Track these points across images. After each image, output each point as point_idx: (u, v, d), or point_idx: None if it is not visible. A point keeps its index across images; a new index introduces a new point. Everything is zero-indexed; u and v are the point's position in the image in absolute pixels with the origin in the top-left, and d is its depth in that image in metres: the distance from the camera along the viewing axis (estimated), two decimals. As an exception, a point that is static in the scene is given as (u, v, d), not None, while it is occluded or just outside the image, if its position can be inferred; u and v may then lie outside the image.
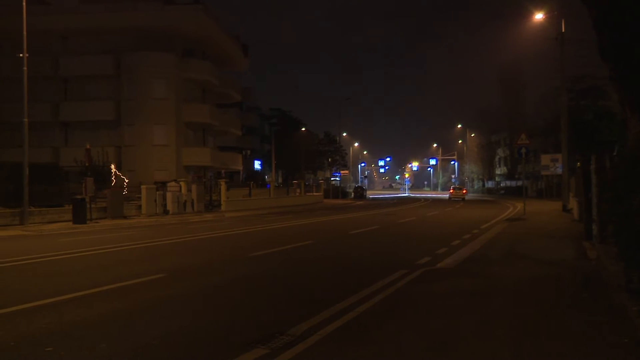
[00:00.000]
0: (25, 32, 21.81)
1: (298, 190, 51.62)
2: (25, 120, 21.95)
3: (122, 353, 5.16)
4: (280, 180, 71.80)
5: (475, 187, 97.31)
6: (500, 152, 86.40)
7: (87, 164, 26.54)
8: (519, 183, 65.51)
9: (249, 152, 66.77)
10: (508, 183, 77.32)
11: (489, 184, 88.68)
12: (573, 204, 24.21)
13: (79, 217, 22.25)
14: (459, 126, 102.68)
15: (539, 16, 28.21)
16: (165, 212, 29.01)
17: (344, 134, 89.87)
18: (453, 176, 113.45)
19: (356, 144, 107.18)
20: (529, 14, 28.61)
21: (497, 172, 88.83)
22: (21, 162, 21.57)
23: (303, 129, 72.11)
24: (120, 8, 39.17)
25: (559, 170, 31.52)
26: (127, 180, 29.51)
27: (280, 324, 6.10)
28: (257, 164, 70.34)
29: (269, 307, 7.15)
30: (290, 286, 8.77)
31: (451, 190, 63.13)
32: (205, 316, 6.67)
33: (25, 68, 22.00)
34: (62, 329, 6.05)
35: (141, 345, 5.39)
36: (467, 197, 62.60)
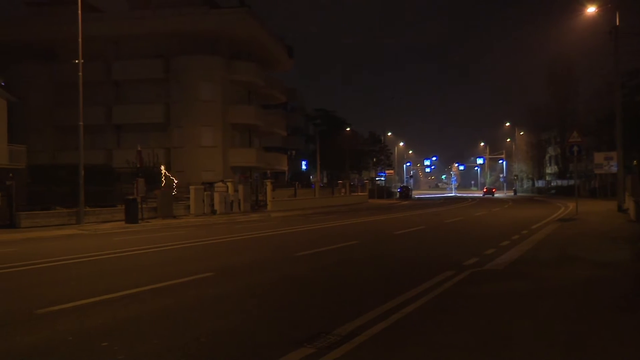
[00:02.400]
0: (80, 39, 22.68)
1: (343, 190, 51.62)
2: (81, 123, 22.83)
3: (172, 349, 5.30)
4: (325, 180, 71.98)
5: (525, 186, 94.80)
6: (551, 151, 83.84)
7: (138, 165, 27.35)
8: (571, 182, 63.43)
9: (294, 152, 67.23)
10: (559, 182, 74.93)
11: (539, 183, 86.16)
12: (629, 203, 23.25)
13: (131, 216, 22.97)
14: (507, 124, 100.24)
15: (591, 9, 27.23)
16: (213, 212, 29.58)
17: (389, 134, 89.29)
18: (501, 175, 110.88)
19: (401, 144, 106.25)
20: (580, 7, 27.64)
21: (548, 171, 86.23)
22: (77, 164, 22.45)
23: (347, 129, 72.05)
24: (169, 13, 40.18)
25: (614, 169, 30.29)
26: (176, 181, 30.25)
27: (326, 323, 6.12)
28: (302, 164, 70.74)
29: (315, 307, 7.19)
30: (336, 286, 8.79)
31: (484, 189, 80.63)
32: (252, 314, 6.77)
33: (80, 73, 22.88)
34: (115, 325, 6.27)
35: (190, 342, 5.52)
36: (515, 197, 66.81)
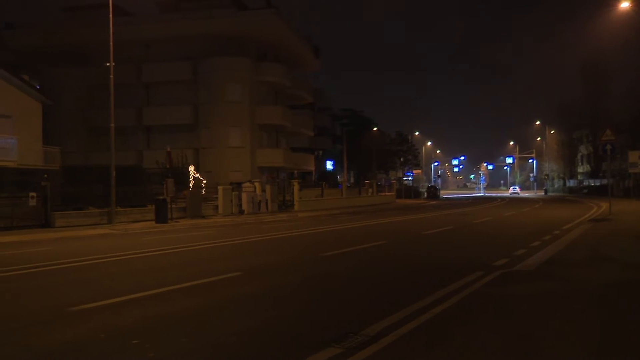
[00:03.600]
0: (112, 43, 23.12)
1: (370, 190, 51.47)
2: (112, 125, 23.28)
3: (201, 348, 5.36)
4: (352, 180, 71.86)
5: (556, 185, 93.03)
6: (583, 149, 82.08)
7: (167, 166, 27.75)
8: (604, 181, 62.02)
9: (320, 152, 67.30)
10: (591, 182, 73.33)
11: (570, 183, 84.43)
12: (665, 203, 22.59)
13: (161, 216, 23.32)
14: (538, 123, 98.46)
15: (624, 5, 26.56)
16: (241, 212, 29.82)
17: (416, 133, 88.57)
18: (531, 174, 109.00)
19: (429, 143, 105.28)
20: (614, 3, 26.98)
21: (579, 170, 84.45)
22: (109, 165, 22.90)
23: (375, 128, 71.79)
24: (197, 16, 40.68)
25: (649, 168, 29.52)
26: (204, 181, 30.58)
27: (354, 323, 6.11)
28: (329, 164, 70.75)
29: (342, 307, 7.18)
30: (364, 286, 8.77)
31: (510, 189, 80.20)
32: (279, 314, 6.80)
33: (111, 76, 23.32)
34: (146, 323, 6.38)
35: (219, 341, 5.58)
36: (546, 197, 67.44)
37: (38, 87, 36.25)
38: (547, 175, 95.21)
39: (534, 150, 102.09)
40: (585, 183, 76.78)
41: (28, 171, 26.65)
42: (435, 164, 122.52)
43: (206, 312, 6.92)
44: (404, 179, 78.94)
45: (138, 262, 11.87)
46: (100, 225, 22.11)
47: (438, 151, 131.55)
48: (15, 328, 6.22)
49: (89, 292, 8.22)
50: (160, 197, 24.00)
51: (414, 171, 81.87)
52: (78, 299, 7.61)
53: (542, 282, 8.67)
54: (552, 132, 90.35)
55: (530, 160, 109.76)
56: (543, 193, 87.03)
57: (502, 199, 63.25)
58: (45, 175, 22.73)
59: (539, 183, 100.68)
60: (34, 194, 21.24)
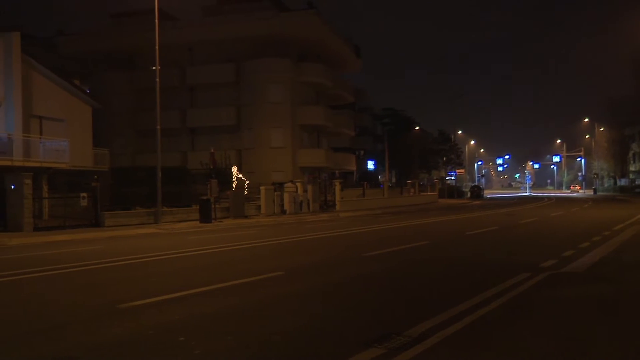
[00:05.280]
0: (157, 47, 23.71)
1: (412, 190, 51.01)
2: (158, 127, 23.87)
3: (246, 346, 5.45)
4: (393, 180, 71.39)
5: (606, 185, 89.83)
6: (635, 147, 78.95)
7: (211, 167, 28.24)
8: (658, 180, 59.50)
9: (362, 152, 67.11)
10: (644, 181, 70.50)
11: (622, 182, 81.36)
12: None
13: (205, 216, 23.76)
14: (586, 120, 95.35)
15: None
16: (283, 211, 30.07)
17: (459, 132, 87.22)
18: (580, 174, 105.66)
19: (472, 142, 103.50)
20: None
21: (631, 168, 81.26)
22: (155, 166, 23.49)
23: (416, 127, 71.11)
24: (239, 19, 41.22)
25: None
26: (247, 182, 30.98)
27: (397, 324, 6.09)
28: (370, 164, 70.49)
29: (385, 307, 7.16)
30: (407, 286, 8.72)
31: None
32: (322, 314, 6.84)
33: (157, 80, 23.92)
34: (191, 321, 6.52)
35: (263, 339, 5.66)
36: (595, 196, 65.88)
37: (88, 91, 37.54)
38: (597, 174, 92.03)
39: (582, 149, 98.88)
40: (638, 182, 73.88)
41: (79, 172, 27.63)
42: (479, 163, 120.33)
43: (250, 311, 7.03)
44: (447, 178, 77.86)
45: (183, 261, 12.14)
46: (147, 224, 22.70)
47: (482, 150, 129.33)
48: (69, 323, 6.48)
49: (137, 290, 8.47)
50: (205, 197, 24.46)
51: (457, 170, 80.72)
52: (127, 296, 7.86)
53: (591, 285, 8.42)
54: (601, 129, 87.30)
55: (579, 159, 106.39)
56: (592, 192, 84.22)
57: (549, 198, 61.58)
58: (96, 177, 23.50)
59: (588, 182, 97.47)
60: (85, 195, 22.00)
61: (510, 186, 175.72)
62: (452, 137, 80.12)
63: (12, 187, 20.10)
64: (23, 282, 9.61)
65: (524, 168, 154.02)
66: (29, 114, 27.20)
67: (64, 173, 26.70)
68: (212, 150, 29.14)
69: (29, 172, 20.83)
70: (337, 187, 35.80)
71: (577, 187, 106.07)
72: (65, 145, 26.24)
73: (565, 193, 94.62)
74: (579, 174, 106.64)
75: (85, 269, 10.91)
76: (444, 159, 78.26)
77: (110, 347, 5.50)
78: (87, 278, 10.00)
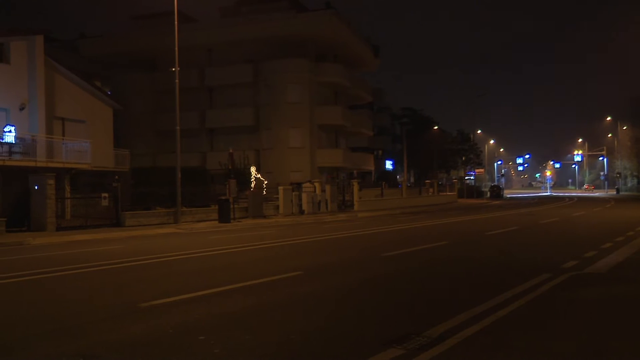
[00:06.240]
0: (177, 49, 23.92)
1: (431, 190, 50.71)
2: (178, 128, 24.08)
3: (265, 345, 5.47)
4: (412, 180, 71.03)
5: (629, 184, 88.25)
6: (660, 146, 77.42)
7: (230, 167, 28.41)
8: (684, 180, 58.29)
9: (380, 152, 66.89)
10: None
11: (646, 182, 79.92)
12: None
13: (224, 216, 23.92)
14: (609, 119, 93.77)
15: None
16: (301, 211, 30.12)
17: (478, 132, 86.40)
18: (602, 173, 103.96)
19: (491, 142, 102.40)
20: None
21: (656, 168, 79.75)
22: (174, 167, 23.71)
23: (435, 127, 70.65)
24: (257, 19, 41.40)
25: None
26: (265, 182, 31.10)
27: (416, 324, 6.06)
28: (388, 164, 70.24)
29: (404, 307, 7.13)
30: (425, 287, 8.67)
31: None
32: (341, 314, 6.84)
33: (177, 81, 24.14)
34: (211, 320, 6.57)
35: (282, 339, 5.68)
36: (618, 196, 65.40)
37: (109, 92, 38.03)
38: (619, 173, 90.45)
39: (605, 148, 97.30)
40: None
41: (100, 173, 28.00)
42: (499, 162, 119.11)
43: (269, 310, 7.06)
44: (466, 178, 77.18)
45: (202, 261, 12.23)
46: (167, 224, 22.92)
47: (501, 149, 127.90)
48: (91, 321, 6.58)
49: (157, 289, 8.56)
50: (223, 198, 24.62)
51: (476, 170, 80.00)
52: (148, 295, 7.95)
53: (614, 286, 8.29)
54: (624, 128, 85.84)
55: (601, 158, 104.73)
56: (615, 192, 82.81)
57: (571, 198, 60.73)
58: (116, 177, 23.79)
59: (610, 182, 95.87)
60: (106, 195, 22.31)
61: (530, 186, 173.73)
62: (472, 136, 79.43)
63: (36, 187, 20.45)
64: (46, 281, 9.78)
65: (545, 167, 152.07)
66: (51, 115, 27.67)
67: (86, 173, 27.08)
68: (231, 151, 29.31)
69: (52, 173, 21.17)
70: (355, 187, 35.75)
71: (591, 187, 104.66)
72: (87, 146, 26.62)
73: (586, 193, 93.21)
74: (601, 173, 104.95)
75: (106, 268, 11.06)
76: (463, 158, 77.62)
77: (131, 346, 5.57)
78: (108, 277, 10.13)
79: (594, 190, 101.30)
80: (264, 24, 41.05)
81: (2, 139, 23.15)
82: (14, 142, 23.66)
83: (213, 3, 45.89)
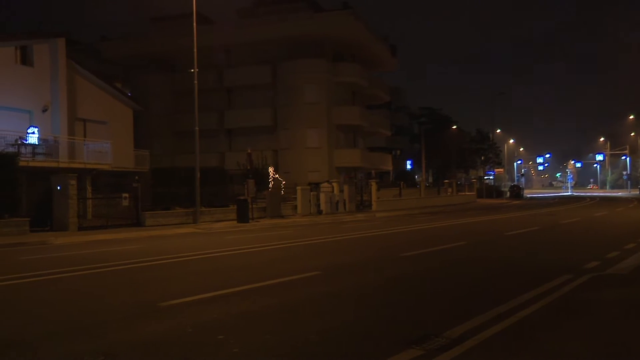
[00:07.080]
0: (195, 50, 24.11)
1: (449, 190, 50.37)
2: (197, 129, 24.25)
3: (284, 345, 5.49)
4: (430, 179, 70.61)
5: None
6: (684, 145, 75.91)
7: (248, 167, 28.54)
8: None
9: (398, 152, 66.61)
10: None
11: (670, 181, 78.37)
12: None
13: (242, 216, 24.02)
14: (631, 117, 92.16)
15: None
16: (319, 211, 30.13)
17: (498, 131, 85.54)
18: (624, 172, 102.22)
19: (511, 141, 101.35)
20: None
21: (681, 167, 78.18)
22: (193, 167, 23.89)
23: (454, 127, 70.14)
24: (275, 20, 41.52)
25: None
26: (283, 182, 31.17)
27: (435, 325, 6.03)
28: (406, 164, 69.93)
29: (423, 308, 7.10)
30: (444, 287, 8.61)
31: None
32: (359, 314, 6.82)
33: (195, 82, 24.31)
34: (230, 320, 6.61)
35: (301, 339, 5.69)
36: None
37: (129, 94, 38.48)
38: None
39: (627, 147, 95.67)
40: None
41: (121, 173, 28.34)
42: (519, 162, 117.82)
43: (287, 310, 7.07)
44: (485, 178, 76.51)
45: (221, 260, 12.31)
46: (186, 224, 23.10)
47: (521, 149, 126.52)
48: (111, 320, 6.65)
49: (176, 288, 8.63)
50: (242, 198, 24.73)
51: (496, 170, 79.22)
52: (167, 294, 8.02)
53: (636, 287, 8.15)
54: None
55: (623, 157, 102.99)
56: (638, 192, 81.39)
57: (592, 198, 59.83)
58: (136, 177, 24.05)
59: (633, 181, 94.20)
60: (127, 195, 22.55)
61: (551, 185, 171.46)
62: (491, 135, 78.71)
63: (58, 188, 20.77)
64: (67, 280, 9.92)
65: (566, 167, 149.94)
66: (73, 117, 28.09)
67: (107, 174, 27.43)
68: (249, 151, 29.44)
69: (73, 174, 21.46)
70: (373, 187, 35.65)
71: (595, 187, 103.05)
72: (107, 147, 26.98)
73: (609, 192, 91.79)
74: (624, 172, 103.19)
75: (126, 268, 11.19)
76: (482, 158, 76.94)
77: (150, 345, 5.62)
78: (128, 276, 10.25)
79: (617, 191, 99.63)
80: (281, 25, 41.15)
81: (26, 140, 23.57)
82: (37, 143, 24.08)
83: (231, 4, 46.11)
